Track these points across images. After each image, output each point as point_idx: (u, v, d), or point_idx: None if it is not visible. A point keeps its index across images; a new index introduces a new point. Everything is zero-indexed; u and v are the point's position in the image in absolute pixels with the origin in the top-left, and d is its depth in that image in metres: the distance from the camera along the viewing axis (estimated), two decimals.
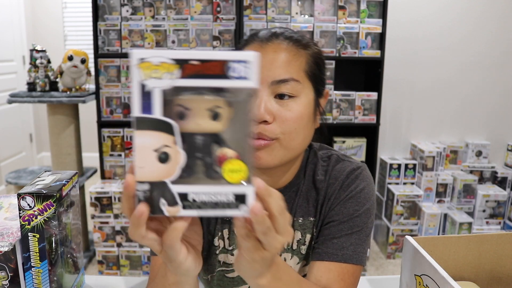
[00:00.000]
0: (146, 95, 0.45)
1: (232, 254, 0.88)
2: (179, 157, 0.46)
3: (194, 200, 0.47)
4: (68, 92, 2.42)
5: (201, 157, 0.48)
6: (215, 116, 0.48)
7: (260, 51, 0.75)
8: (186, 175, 0.48)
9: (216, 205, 0.47)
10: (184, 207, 0.47)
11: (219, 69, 0.45)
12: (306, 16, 2.42)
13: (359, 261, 0.80)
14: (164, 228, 0.50)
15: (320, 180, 0.85)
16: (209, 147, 0.48)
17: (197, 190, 0.47)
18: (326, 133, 0.88)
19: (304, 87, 0.76)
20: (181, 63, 0.45)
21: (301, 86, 0.75)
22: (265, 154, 0.74)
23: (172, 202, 0.47)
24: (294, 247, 0.86)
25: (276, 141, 0.74)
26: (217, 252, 0.88)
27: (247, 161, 0.47)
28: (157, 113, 0.45)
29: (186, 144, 0.47)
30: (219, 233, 0.88)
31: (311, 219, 0.85)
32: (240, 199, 0.47)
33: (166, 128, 0.46)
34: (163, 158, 0.46)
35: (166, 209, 0.47)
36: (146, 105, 0.45)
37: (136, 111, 0.45)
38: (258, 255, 0.51)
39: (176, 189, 0.47)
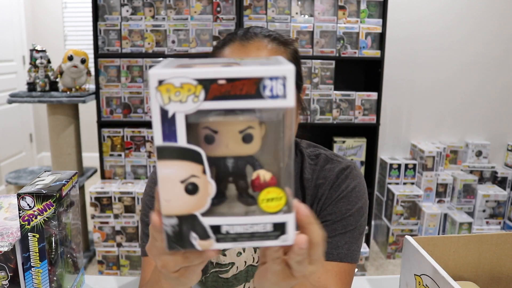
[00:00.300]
0: (168, 121, 0.40)
1: (224, 255, 0.88)
2: (209, 188, 0.41)
3: (228, 232, 0.42)
4: (68, 92, 2.42)
5: (234, 181, 0.43)
6: (248, 138, 0.42)
7: (242, 50, 0.75)
8: (217, 201, 0.43)
9: (252, 236, 0.42)
10: (218, 240, 0.42)
11: (251, 88, 0.39)
12: (306, 16, 2.42)
13: (354, 259, 0.81)
14: None
15: (307, 178, 0.85)
16: (242, 170, 0.43)
17: (231, 222, 0.42)
18: (309, 128, 0.88)
19: None
20: (206, 84, 0.39)
21: None
22: None
23: (204, 236, 0.42)
24: None
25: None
26: None
27: (285, 185, 0.42)
28: (182, 140, 0.40)
29: (216, 168, 0.43)
30: None
31: None
32: (279, 228, 0.42)
33: (193, 156, 0.41)
34: (191, 189, 0.41)
35: (198, 243, 0.42)
36: (169, 132, 0.40)
37: (158, 139, 0.40)
38: (285, 280, 0.48)
39: (207, 221, 0.42)
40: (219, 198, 0.43)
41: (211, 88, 0.39)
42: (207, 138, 0.42)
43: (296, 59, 0.80)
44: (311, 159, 0.87)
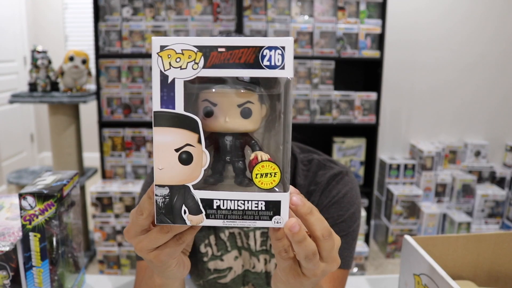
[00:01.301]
0: (167, 87, 0.39)
1: (222, 260, 0.87)
2: (203, 158, 0.40)
3: (219, 208, 0.41)
4: (69, 93, 2.42)
5: (231, 161, 0.42)
6: (247, 113, 0.42)
7: None
8: (214, 181, 0.42)
9: (244, 213, 0.41)
10: (208, 216, 0.41)
11: (250, 57, 0.39)
12: (306, 17, 2.42)
13: (346, 265, 0.80)
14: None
15: (299, 184, 0.84)
16: (240, 150, 0.42)
17: (223, 196, 0.41)
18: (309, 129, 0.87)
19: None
20: (206, 51, 0.39)
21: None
22: None
23: (194, 210, 0.41)
24: None
25: None
26: (206, 259, 0.88)
27: (281, 164, 0.41)
28: (179, 107, 0.40)
29: (214, 146, 0.42)
30: (206, 240, 0.87)
31: None
32: (272, 207, 0.41)
33: (189, 124, 0.40)
34: (185, 159, 0.40)
35: (188, 218, 0.41)
36: (167, 98, 0.39)
37: (156, 105, 0.40)
38: (295, 279, 0.45)
39: (199, 194, 0.41)
40: (216, 178, 0.42)
41: (211, 55, 0.39)
42: (206, 111, 0.42)
43: None
44: (304, 165, 0.86)
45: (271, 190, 0.41)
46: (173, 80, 0.39)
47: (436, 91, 2.90)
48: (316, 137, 2.71)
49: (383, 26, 2.42)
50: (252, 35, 2.39)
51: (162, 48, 0.39)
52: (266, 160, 0.41)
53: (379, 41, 2.45)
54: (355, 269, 2.43)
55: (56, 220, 0.76)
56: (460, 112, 2.93)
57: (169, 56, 0.39)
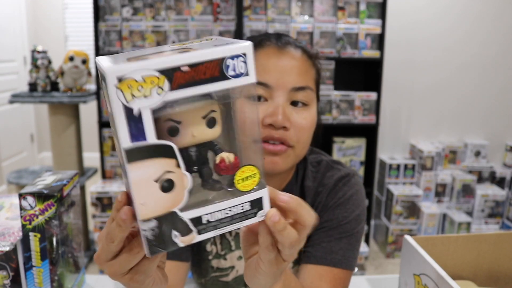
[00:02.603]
0: (134, 120, 0.36)
1: (225, 259, 0.88)
2: (185, 181, 0.39)
3: (208, 221, 0.41)
4: (69, 93, 2.42)
5: (198, 170, 0.42)
6: (212, 123, 0.41)
7: (278, 56, 0.74)
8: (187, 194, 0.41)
9: (232, 218, 0.42)
10: (199, 232, 0.41)
11: (214, 70, 0.38)
12: (306, 17, 2.42)
13: (349, 266, 0.80)
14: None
15: (308, 186, 0.85)
16: (204, 157, 0.42)
17: (210, 210, 0.40)
18: (320, 137, 0.87)
19: (314, 96, 0.77)
20: (170, 73, 0.36)
21: (313, 95, 0.76)
22: (281, 160, 0.74)
23: (185, 231, 0.40)
24: None
25: (291, 148, 0.74)
26: (210, 257, 0.88)
27: (256, 162, 0.42)
28: (151, 137, 0.37)
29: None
30: (211, 239, 0.88)
31: None
32: (256, 205, 0.42)
33: (164, 152, 0.38)
34: (167, 186, 0.39)
35: (180, 240, 0.40)
36: (136, 131, 0.36)
37: (125, 141, 0.36)
38: (277, 266, 0.47)
39: (187, 215, 0.40)
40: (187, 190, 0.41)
41: (174, 76, 0.37)
42: (171, 130, 0.40)
43: (319, 72, 0.81)
44: (313, 166, 0.87)
45: (252, 190, 0.42)
46: (139, 111, 0.36)
47: (436, 91, 2.90)
48: (315, 137, 2.71)
49: (383, 26, 2.42)
50: (252, 35, 2.39)
51: (120, 79, 0.35)
52: (246, 165, 0.41)
53: (379, 41, 2.45)
54: (355, 269, 2.43)
55: (56, 220, 0.76)
56: (460, 112, 2.93)
57: (130, 86, 0.36)
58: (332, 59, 2.45)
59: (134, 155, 0.37)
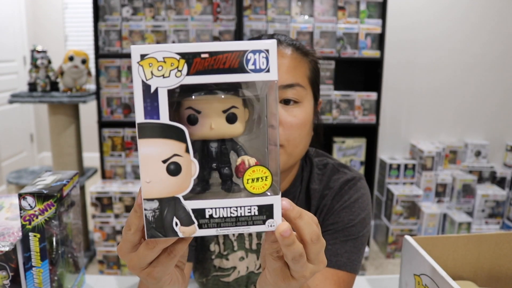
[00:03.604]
0: (150, 97, 0.38)
1: (227, 259, 0.88)
2: (192, 168, 0.39)
3: (211, 217, 0.40)
4: (68, 92, 2.42)
5: (218, 168, 0.41)
6: (232, 118, 0.41)
7: None
8: (201, 189, 0.41)
9: (237, 220, 0.40)
10: (201, 226, 0.40)
11: (234, 62, 0.38)
12: (306, 17, 2.42)
13: (353, 270, 0.79)
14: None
15: (314, 189, 0.85)
16: (226, 156, 0.41)
17: (215, 205, 0.40)
18: (322, 137, 0.86)
19: (307, 93, 0.76)
20: (189, 58, 0.38)
21: (305, 92, 0.75)
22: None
23: (186, 221, 0.40)
24: None
25: (280, 147, 0.73)
26: (213, 257, 0.88)
27: (270, 167, 0.41)
28: (164, 117, 0.38)
29: (199, 154, 0.41)
30: (215, 238, 0.88)
31: None
32: (265, 211, 0.40)
33: (175, 134, 0.39)
34: (174, 170, 0.39)
35: (180, 230, 0.40)
36: (151, 108, 0.38)
37: (139, 116, 0.39)
38: (284, 281, 0.45)
39: (190, 205, 0.39)
40: (203, 186, 0.41)
41: (194, 62, 0.38)
42: (190, 119, 0.41)
43: (316, 70, 0.80)
44: (319, 169, 0.87)
45: (262, 194, 0.40)
46: (156, 89, 0.38)
47: (436, 91, 2.90)
48: (315, 137, 2.71)
49: (383, 26, 2.42)
50: (252, 35, 2.39)
51: (143, 57, 0.38)
52: (257, 165, 0.40)
53: (379, 41, 2.45)
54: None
55: (56, 220, 0.76)
56: (461, 112, 2.93)
57: (151, 64, 0.38)
58: (332, 59, 2.45)
59: (146, 131, 0.38)
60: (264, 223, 0.41)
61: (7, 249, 0.74)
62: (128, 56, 2.40)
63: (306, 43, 2.43)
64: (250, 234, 0.88)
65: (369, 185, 2.60)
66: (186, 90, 0.40)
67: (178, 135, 0.39)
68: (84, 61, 2.42)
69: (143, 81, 0.38)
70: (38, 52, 2.46)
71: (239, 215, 0.40)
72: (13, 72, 3.82)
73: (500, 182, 2.87)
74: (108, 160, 2.51)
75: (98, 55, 2.40)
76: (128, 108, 2.46)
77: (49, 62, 2.49)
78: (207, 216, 0.40)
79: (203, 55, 0.38)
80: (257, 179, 0.40)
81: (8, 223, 0.81)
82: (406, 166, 2.77)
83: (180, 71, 0.38)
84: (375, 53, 2.44)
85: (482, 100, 2.92)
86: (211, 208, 0.40)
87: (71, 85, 2.44)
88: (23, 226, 0.75)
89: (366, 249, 2.43)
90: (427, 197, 2.79)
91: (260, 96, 0.41)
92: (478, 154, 2.89)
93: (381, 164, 2.87)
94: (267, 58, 0.39)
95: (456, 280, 0.69)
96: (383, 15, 2.42)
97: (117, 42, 2.40)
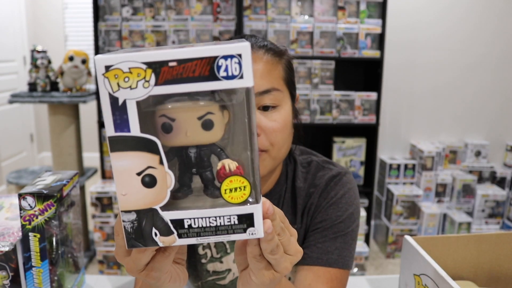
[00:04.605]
0: (119, 110, 0.37)
1: (221, 262, 0.87)
2: (167, 179, 0.39)
3: (190, 227, 0.39)
4: (68, 92, 2.42)
5: (198, 172, 0.40)
6: (208, 125, 0.40)
7: None
8: (182, 195, 0.40)
9: (217, 229, 0.40)
10: (180, 236, 0.40)
11: (205, 69, 0.36)
12: (306, 17, 2.42)
13: (345, 266, 0.79)
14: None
15: (299, 187, 0.84)
16: (207, 160, 0.40)
17: (193, 215, 0.39)
18: (303, 133, 0.85)
19: (284, 95, 0.75)
20: (156, 67, 0.36)
21: (282, 95, 0.74)
22: None
23: (165, 232, 0.40)
24: None
25: (265, 152, 0.73)
26: (204, 261, 0.88)
27: (250, 173, 0.40)
28: (135, 129, 0.37)
29: (178, 159, 0.40)
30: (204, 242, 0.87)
31: (294, 226, 0.83)
32: (245, 220, 0.40)
33: (148, 146, 0.38)
34: (149, 182, 0.38)
35: (160, 240, 0.40)
36: (120, 121, 0.37)
37: (110, 130, 0.37)
38: (268, 277, 0.47)
39: (168, 216, 0.39)
40: (184, 191, 0.41)
41: (161, 71, 0.36)
42: (164, 127, 0.39)
43: (290, 69, 0.78)
44: (303, 167, 0.86)
45: (242, 203, 0.40)
46: (124, 101, 0.36)
47: (436, 91, 2.90)
48: (316, 137, 2.71)
49: (383, 26, 2.42)
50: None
51: (107, 68, 0.36)
52: (235, 175, 0.39)
53: (379, 41, 2.45)
54: (355, 269, 2.43)
55: (56, 220, 0.76)
56: (461, 112, 2.93)
57: (116, 76, 0.36)
58: (332, 59, 2.45)
59: (118, 145, 0.38)
60: (245, 232, 0.40)
61: (7, 249, 0.74)
62: None
63: (306, 43, 2.43)
64: None
65: (369, 185, 2.62)
66: (160, 98, 0.38)
67: (150, 147, 0.38)
68: (84, 61, 2.42)
69: (110, 94, 0.36)
70: (38, 52, 2.46)
71: (218, 224, 0.39)
72: (13, 72, 3.82)
73: (500, 182, 2.87)
74: (108, 160, 2.51)
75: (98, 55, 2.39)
76: None
77: (49, 62, 2.49)
78: (186, 226, 0.39)
79: (170, 64, 0.36)
80: (235, 189, 0.39)
81: (8, 223, 0.81)
82: (406, 166, 2.77)
83: (148, 81, 0.36)
84: (375, 53, 2.44)
85: (482, 100, 2.92)
86: (190, 219, 0.39)
87: (71, 85, 2.44)
88: (23, 226, 0.75)
89: (366, 249, 2.43)
90: (427, 197, 2.79)
91: (237, 101, 0.40)
92: (478, 154, 2.89)
93: (381, 164, 2.87)
94: (239, 64, 0.36)
95: (456, 280, 0.69)
96: (383, 15, 2.42)
97: (117, 42, 2.40)
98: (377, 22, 2.43)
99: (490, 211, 2.79)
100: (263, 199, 0.41)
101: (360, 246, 2.42)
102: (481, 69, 2.88)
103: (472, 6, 2.80)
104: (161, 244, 0.40)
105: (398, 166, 2.77)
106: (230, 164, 0.40)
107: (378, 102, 2.49)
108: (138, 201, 0.39)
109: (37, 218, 0.74)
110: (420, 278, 0.71)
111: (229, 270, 0.88)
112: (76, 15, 4.17)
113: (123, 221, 0.39)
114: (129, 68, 0.36)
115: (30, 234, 0.75)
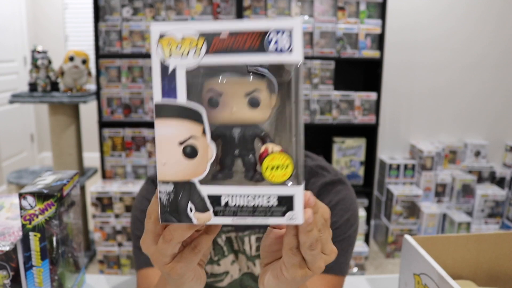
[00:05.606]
0: (168, 77, 0.37)
1: (219, 265, 0.87)
2: (209, 151, 0.38)
3: (227, 204, 0.38)
4: (69, 93, 2.42)
5: (240, 155, 0.40)
6: (255, 103, 0.39)
7: None
8: (222, 176, 0.40)
9: (255, 210, 0.38)
10: (216, 213, 0.38)
11: (255, 42, 0.36)
12: (306, 17, 2.42)
13: (341, 272, 0.79)
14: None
15: None
16: (250, 143, 0.40)
17: (231, 192, 0.38)
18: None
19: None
20: (209, 37, 0.36)
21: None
22: None
23: (201, 207, 0.38)
24: None
25: None
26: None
27: (294, 155, 0.38)
28: (182, 97, 0.37)
29: (221, 139, 0.40)
30: None
31: None
32: (285, 203, 0.38)
33: (192, 115, 0.38)
34: (190, 152, 0.38)
35: (195, 216, 0.38)
36: (169, 88, 0.37)
37: (157, 96, 0.37)
38: (301, 274, 0.44)
39: (206, 190, 0.38)
40: (225, 174, 0.40)
41: (213, 41, 0.36)
42: (211, 102, 0.39)
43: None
44: None
45: (283, 183, 0.38)
46: (174, 69, 0.37)
47: (436, 91, 2.90)
48: (316, 137, 2.71)
49: (383, 26, 2.42)
50: None
51: (162, 35, 0.37)
52: (277, 151, 0.38)
53: (379, 41, 2.45)
54: (355, 269, 2.43)
55: (56, 220, 0.76)
56: (460, 112, 2.93)
57: (169, 43, 0.37)
58: (332, 59, 2.45)
59: (163, 111, 0.37)
60: (283, 215, 0.38)
61: (7, 248, 0.74)
62: (128, 56, 2.41)
63: (306, 44, 2.43)
64: (236, 236, 0.86)
65: (369, 185, 2.62)
66: (209, 70, 0.38)
67: (195, 116, 0.38)
68: (84, 61, 2.42)
69: (161, 60, 0.37)
70: (39, 52, 2.46)
71: (256, 204, 0.38)
72: (13, 72, 3.83)
73: (500, 182, 2.88)
74: (108, 160, 2.51)
75: (98, 55, 2.40)
76: (128, 108, 2.46)
77: (50, 62, 2.49)
78: (222, 204, 0.38)
79: (223, 34, 0.36)
80: (277, 167, 0.38)
81: (8, 222, 0.81)
82: (405, 166, 2.77)
83: (199, 50, 0.37)
84: (375, 53, 2.44)
85: (482, 100, 2.92)
86: (227, 195, 0.38)
87: (72, 85, 2.44)
88: (23, 225, 0.75)
89: (366, 249, 2.43)
90: (426, 197, 2.79)
91: (285, 80, 0.39)
92: (477, 154, 2.89)
93: (381, 164, 2.88)
94: (290, 38, 0.36)
95: (455, 280, 0.69)
96: (383, 16, 2.42)
97: (117, 42, 2.40)
98: (377, 23, 2.43)
99: (490, 211, 2.79)
100: (305, 191, 0.39)
101: (360, 246, 2.42)
102: (480, 69, 2.88)
103: (472, 6, 2.80)
104: (195, 221, 0.38)
105: (398, 166, 2.77)
106: (274, 147, 0.39)
107: (378, 102, 2.50)
108: (177, 172, 0.38)
109: (37, 217, 0.75)
110: (420, 277, 0.71)
111: (227, 272, 0.88)
112: (76, 15, 4.17)
113: (160, 192, 0.38)
114: (183, 36, 0.37)
115: (30, 233, 0.75)
